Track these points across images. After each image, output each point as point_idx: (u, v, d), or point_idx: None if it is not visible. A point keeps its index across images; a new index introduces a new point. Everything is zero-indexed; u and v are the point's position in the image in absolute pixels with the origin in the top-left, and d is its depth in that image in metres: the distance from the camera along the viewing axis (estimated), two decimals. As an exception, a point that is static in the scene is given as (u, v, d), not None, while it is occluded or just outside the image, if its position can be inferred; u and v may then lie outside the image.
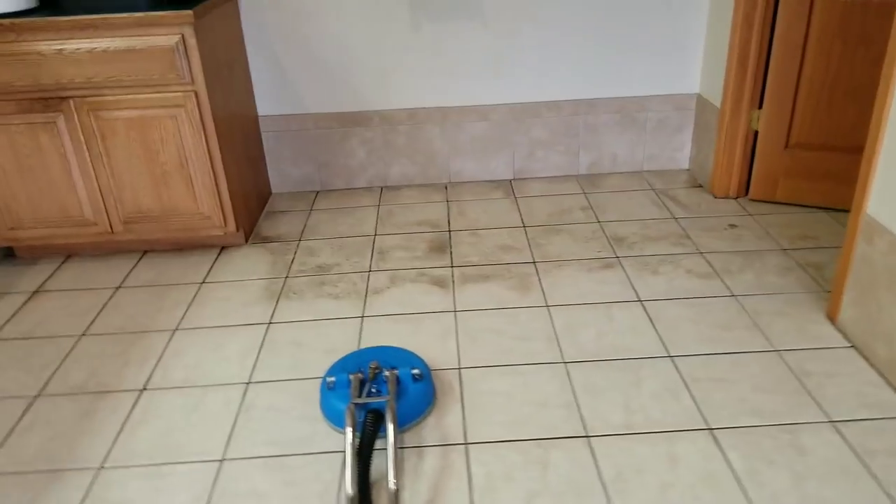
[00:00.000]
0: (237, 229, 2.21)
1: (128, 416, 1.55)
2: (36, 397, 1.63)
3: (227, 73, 2.20)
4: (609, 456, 1.40)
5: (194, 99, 1.98)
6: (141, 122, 2.01)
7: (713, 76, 2.52)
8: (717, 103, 2.48)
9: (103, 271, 2.16)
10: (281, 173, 2.67)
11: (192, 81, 1.97)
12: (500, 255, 2.18)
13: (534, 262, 2.13)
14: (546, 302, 1.92)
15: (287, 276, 2.10)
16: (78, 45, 1.90)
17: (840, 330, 1.76)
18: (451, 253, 2.20)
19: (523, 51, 2.52)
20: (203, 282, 2.08)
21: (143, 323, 1.89)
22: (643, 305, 1.89)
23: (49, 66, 1.92)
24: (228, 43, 2.26)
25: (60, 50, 1.91)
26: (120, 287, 2.07)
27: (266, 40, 2.45)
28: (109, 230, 2.15)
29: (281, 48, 2.46)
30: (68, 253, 2.26)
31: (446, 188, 2.67)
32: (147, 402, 1.59)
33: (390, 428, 1.37)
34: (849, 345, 1.71)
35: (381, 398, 1.45)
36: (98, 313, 1.95)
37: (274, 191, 2.69)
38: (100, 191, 2.09)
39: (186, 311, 1.94)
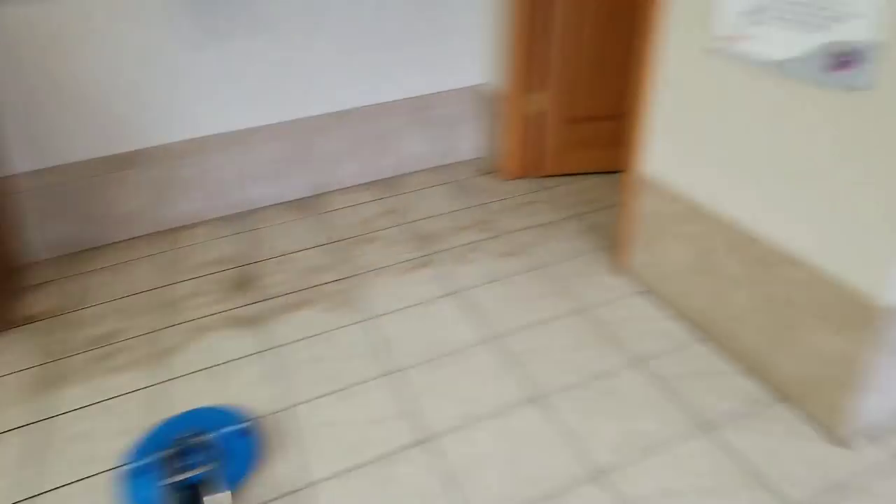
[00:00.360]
0: (-16, 317, 1.87)
1: None
2: None
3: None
4: (453, 452, 1.43)
5: None
6: None
7: (494, 65, 2.71)
8: (501, 90, 2.67)
9: None
10: (39, 238, 2.32)
11: None
12: (310, 277, 2.13)
13: (348, 278, 2.11)
14: (366, 316, 1.92)
15: (60, 359, 1.83)
16: None
17: (631, 278, 2.01)
18: (256, 287, 2.09)
19: (310, 64, 2.48)
20: (-53, 391, 1.73)
21: None
22: (461, 296, 1.97)
23: None
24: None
25: None
26: None
27: (4, 88, 2.11)
28: None
29: (25, 95, 2.13)
30: None
31: (243, 218, 2.54)
32: None
33: (221, 496, 1.25)
34: (641, 289, 1.95)
35: (202, 469, 1.32)
36: None
37: (32, 259, 2.33)
38: None
39: (-73, 433, 1.59)
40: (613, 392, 1.57)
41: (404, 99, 2.71)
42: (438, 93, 2.76)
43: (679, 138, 1.73)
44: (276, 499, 1.35)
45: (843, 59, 1.29)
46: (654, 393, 1.56)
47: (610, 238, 2.23)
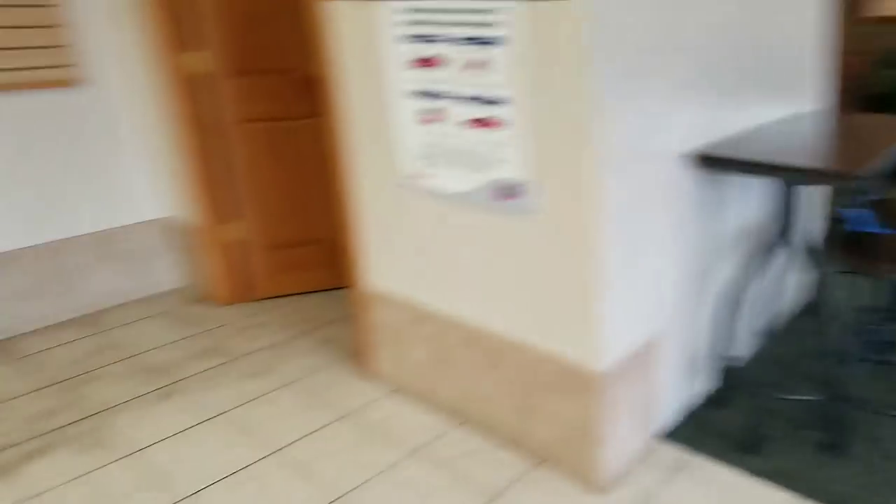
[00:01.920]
0: None
1: None
2: None
3: None
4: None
5: None
6: None
7: (182, 197, 2.97)
8: (192, 222, 2.94)
9: None
10: None
11: None
12: (42, 423, 2.01)
13: (87, 418, 2.06)
14: (129, 451, 1.94)
15: None
16: None
17: (381, 381, 2.44)
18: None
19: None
20: None
21: None
22: (226, 417, 2.14)
23: None
24: None
25: None
26: None
27: None
28: None
29: None
30: None
31: None
32: None
33: None
34: (393, 389, 2.40)
35: None
36: None
37: None
38: None
39: None
40: (406, 483, 1.92)
41: (83, 235, 2.79)
42: (122, 227, 2.92)
43: (396, 256, 2.14)
44: None
45: (508, 191, 1.74)
46: (439, 475, 1.96)
47: (345, 349, 2.67)
